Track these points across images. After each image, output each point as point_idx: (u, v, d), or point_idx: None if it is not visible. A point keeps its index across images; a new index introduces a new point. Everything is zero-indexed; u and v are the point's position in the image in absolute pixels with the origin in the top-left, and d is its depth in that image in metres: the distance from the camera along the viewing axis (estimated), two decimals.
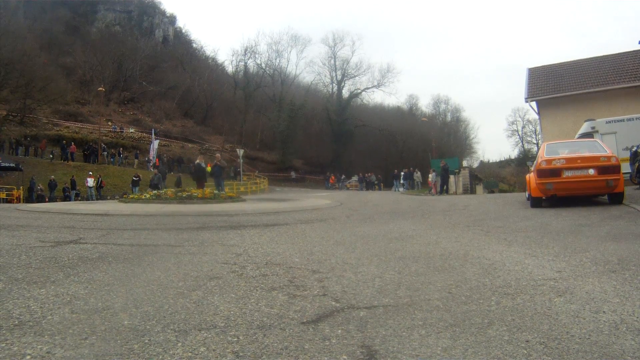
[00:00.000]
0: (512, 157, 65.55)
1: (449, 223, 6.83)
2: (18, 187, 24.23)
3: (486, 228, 5.96)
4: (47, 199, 23.36)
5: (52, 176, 25.70)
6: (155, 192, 14.40)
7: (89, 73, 49.48)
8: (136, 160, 36.68)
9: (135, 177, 26.76)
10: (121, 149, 38.14)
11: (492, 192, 30.96)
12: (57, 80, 40.40)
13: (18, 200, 22.92)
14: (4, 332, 2.06)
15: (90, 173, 25.75)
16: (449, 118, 72.29)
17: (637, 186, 11.77)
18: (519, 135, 67.35)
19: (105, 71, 49.97)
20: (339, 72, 60.62)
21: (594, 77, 20.29)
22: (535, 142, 60.67)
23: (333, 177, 44.56)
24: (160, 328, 2.13)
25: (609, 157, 7.88)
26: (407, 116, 65.79)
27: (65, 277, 3.19)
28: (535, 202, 8.47)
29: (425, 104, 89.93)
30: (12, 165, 25.40)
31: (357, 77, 60.41)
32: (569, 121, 18.71)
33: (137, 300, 2.61)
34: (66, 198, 24.35)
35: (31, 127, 36.06)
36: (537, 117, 22.88)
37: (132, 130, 44.51)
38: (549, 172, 8.05)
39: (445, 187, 22.83)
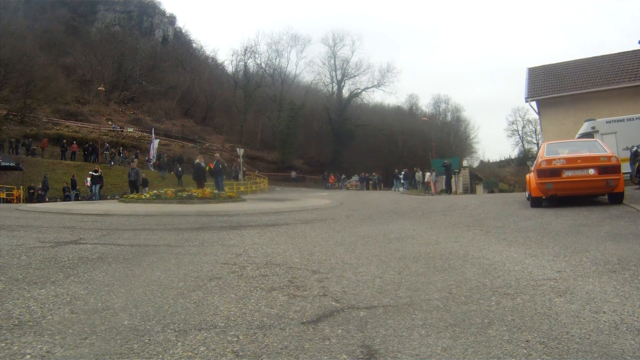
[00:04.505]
0: (512, 157, 65.59)
1: (449, 223, 6.83)
2: (18, 187, 24.23)
3: (486, 228, 5.96)
4: (47, 199, 23.36)
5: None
6: (155, 192, 14.36)
7: (89, 73, 49.48)
8: (136, 160, 36.65)
9: (95, 172, 22.51)
10: (121, 148, 38.13)
11: (492, 191, 30.99)
12: (57, 80, 40.40)
13: (18, 200, 22.91)
14: (4, 331, 2.06)
15: (91, 172, 25.69)
16: (449, 118, 72.36)
17: (637, 186, 11.77)
18: (519, 135, 67.40)
19: (105, 71, 49.98)
20: (339, 72, 60.73)
21: (594, 77, 20.28)
22: (535, 142, 60.69)
23: (332, 177, 44.57)
24: (160, 328, 2.13)
25: (609, 157, 7.87)
26: (407, 116, 65.85)
27: (65, 277, 3.19)
28: (535, 202, 8.46)
29: (425, 104, 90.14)
30: (12, 164, 25.37)
31: (357, 77, 60.55)
32: (569, 121, 18.71)
33: (137, 300, 2.61)
34: (66, 198, 24.33)
35: (31, 127, 36.07)
36: (537, 117, 22.89)
37: (131, 129, 44.53)
38: (549, 172, 8.04)
39: (449, 185, 22.83)
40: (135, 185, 20.84)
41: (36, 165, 28.78)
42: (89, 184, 24.55)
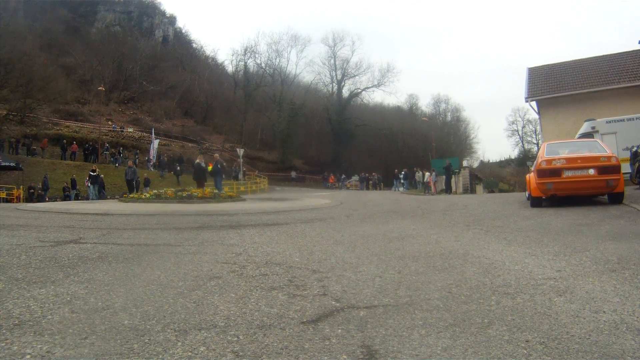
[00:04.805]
0: (512, 157, 65.62)
1: (449, 222, 6.83)
2: (18, 187, 24.22)
3: (486, 227, 5.96)
4: (47, 199, 23.36)
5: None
6: (155, 191, 14.37)
7: (89, 73, 49.50)
8: (136, 160, 36.65)
9: (92, 172, 21.83)
10: (121, 148, 38.13)
11: (492, 191, 31.01)
12: (57, 80, 40.41)
13: (18, 200, 22.91)
14: (4, 331, 2.06)
15: (89, 173, 25.68)
16: (449, 118, 72.34)
17: (637, 186, 11.77)
18: (519, 135, 67.37)
19: (105, 71, 50.00)
20: (339, 72, 60.78)
21: (594, 77, 20.28)
22: (535, 142, 60.66)
23: (332, 177, 44.56)
24: (160, 328, 2.13)
25: (609, 157, 7.87)
26: (407, 116, 65.85)
27: (65, 276, 3.19)
28: (535, 202, 8.46)
29: (425, 104, 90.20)
30: (12, 164, 25.36)
31: (357, 77, 60.59)
32: (569, 121, 18.70)
33: (137, 300, 2.61)
34: (66, 198, 24.33)
35: (31, 127, 36.07)
36: (537, 116, 22.87)
37: (131, 129, 44.54)
38: (549, 172, 8.04)
39: (449, 185, 22.86)
40: (132, 184, 20.61)
41: (36, 165, 28.77)
42: (89, 184, 24.56)
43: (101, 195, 23.23)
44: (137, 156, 37.37)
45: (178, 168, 32.99)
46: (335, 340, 1.98)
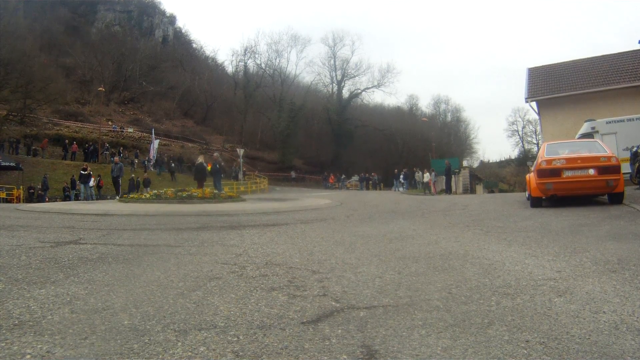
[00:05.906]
0: (512, 157, 65.69)
1: (449, 223, 6.83)
2: (18, 187, 24.23)
3: (486, 228, 5.95)
4: (47, 199, 23.36)
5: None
6: (155, 192, 14.34)
7: (89, 73, 49.59)
8: (136, 160, 36.64)
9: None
10: (121, 148, 38.15)
11: (492, 192, 31.03)
12: (57, 80, 40.47)
13: (18, 200, 22.92)
14: (4, 331, 2.06)
15: (91, 173, 25.65)
16: (449, 118, 72.44)
17: (637, 186, 11.77)
18: (519, 135, 67.42)
19: (105, 71, 50.06)
20: (338, 72, 60.89)
21: (594, 77, 20.29)
22: (535, 142, 60.71)
23: (332, 177, 44.57)
24: (160, 328, 2.13)
25: (609, 157, 7.88)
26: (407, 116, 65.91)
27: (65, 277, 3.19)
28: (535, 202, 8.47)
29: (425, 104, 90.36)
30: (12, 164, 25.38)
31: (357, 77, 60.74)
32: (569, 121, 18.72)
33: (137, 300, 2.61)
34: (66, 198, 24.34)
35: (31, 127, 36.08)
36: (537, 117, 22.90)
37: (131, 130, 44.56)
38: (549, 172, 8.05)
39: (449, 186, 22.90)
40: (118, 182, 20.22)
41: (36, 165, 28.80)
42: (91, 184, 24.48)
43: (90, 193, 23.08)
44: (137, 157, 37.38)
45: (173, 165, 34.40)
46: (335, 340, 1.98)
